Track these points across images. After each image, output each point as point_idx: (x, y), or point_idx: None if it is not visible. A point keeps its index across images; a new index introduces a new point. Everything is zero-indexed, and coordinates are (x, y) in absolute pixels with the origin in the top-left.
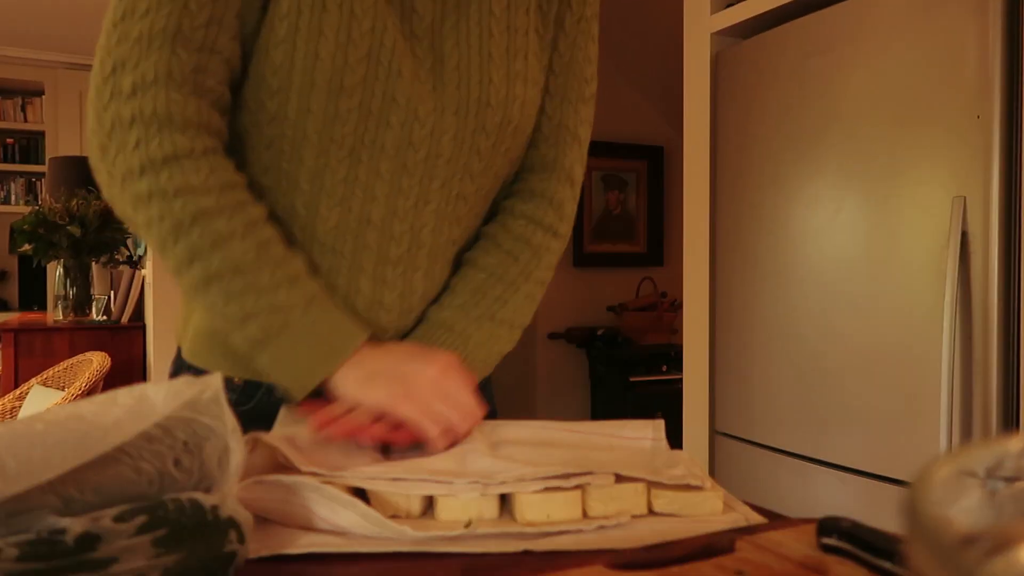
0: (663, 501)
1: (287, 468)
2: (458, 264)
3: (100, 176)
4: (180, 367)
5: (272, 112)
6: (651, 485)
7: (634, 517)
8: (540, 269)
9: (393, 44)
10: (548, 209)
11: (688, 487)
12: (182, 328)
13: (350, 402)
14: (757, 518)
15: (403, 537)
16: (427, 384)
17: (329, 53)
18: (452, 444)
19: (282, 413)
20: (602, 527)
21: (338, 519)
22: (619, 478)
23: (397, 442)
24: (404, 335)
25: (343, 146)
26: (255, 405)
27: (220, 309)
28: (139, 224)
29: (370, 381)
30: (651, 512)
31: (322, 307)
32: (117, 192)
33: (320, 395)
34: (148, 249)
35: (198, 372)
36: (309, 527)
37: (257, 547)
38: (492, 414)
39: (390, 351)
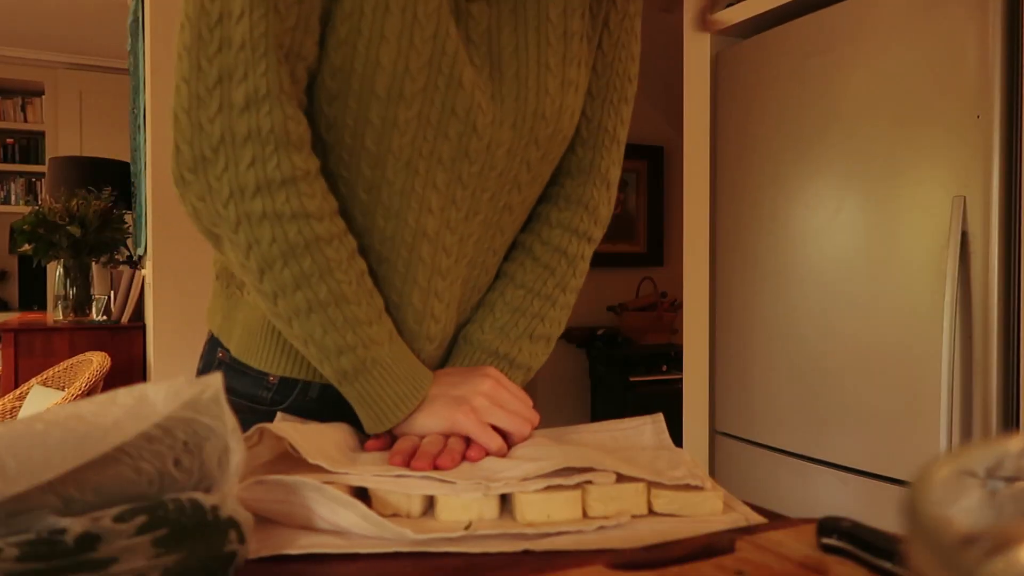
0: (663, 501)
1: (293, 459)
2: (496, 273)
3: (194, 188)
4: (216, 363)
5: (330, 118)
6: (651, 485)
7: (634, 517)
8: (576, 278)
9: (455, 52)
10: (584, 215)
11: (688, 487)
12: (225, 326)
13: (416, 431)
14: (757, 518)
15: (403, 539)
16: (483, 398)
17: (391, 59)
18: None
19: (279, 417)
20: (602, 527)
21: (338, 519)
22: (620, 478)
23: (471, 459)
24: (446, 352)
25: (400, 157)
26: (290, 404)
27: (317, 338)
28: (238, 243)
29: (429, 407)
30: (651, 512)
31: (399, 343)
32: (219, 208)
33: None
34: (150, 250)
35: (241, 369)
36: (309, 527)
37: (257, 547)
38: None
39: (441, 378)
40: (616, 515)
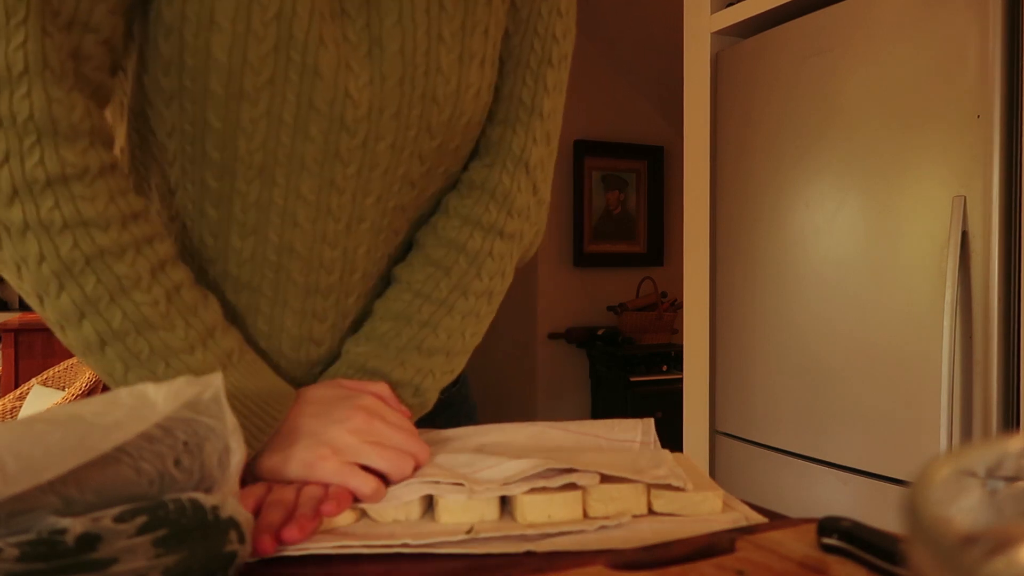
0: (663, 501)
1: None
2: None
3: None
4: None
5: (170, 123)
6: (650, 486)
7: (634, 517)
8: (482, 279)
9: (306, 35)
10: (489, 204)
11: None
12: None
13: (273, 478)
14: (757, 517)
15: (406, 546)
16: (350, 435)
17: (224, 49)
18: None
19: None
20: (603, 527)
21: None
22: (604, 478)
23: (327, 513)
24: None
25: (251, 165)
26: None
27: (118, 376)
28: (5, 261)
29: (288, 447)
30: (651, 512)
31: (242, 367)
32: None
33: None
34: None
35: None
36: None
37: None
38: (470, 414)
39: (307, 402)
40: (617, 515)
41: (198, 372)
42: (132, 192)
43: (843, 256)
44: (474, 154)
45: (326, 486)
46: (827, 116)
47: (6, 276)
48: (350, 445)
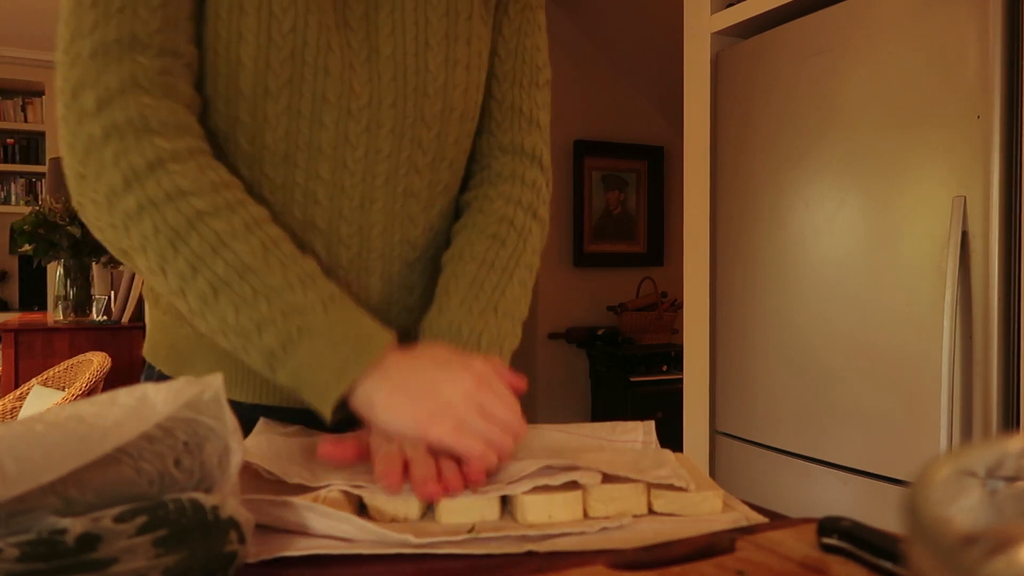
0: (663, 501)
1: (272, 484)
2: (432, 270)
3: (87, 212)
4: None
5: (209, 125)
6: (651, 486)
7: (635, 517)
8: (527, 253)
9: (317, 41)
10: (524, 189)
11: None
12: (151, 349)
13: (377, 428)
14: (758, 517)
15: (406, 544)
16: (462, 399)
17: (251, 57)
18: (495, 465)
19: (261, 423)
20: (604, 528)
21: (334, 532)
22: (605, 477)
23: (474, 482)
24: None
25: (276, 152)
26: None
27: (232, 323)
28: (135, 248)
29: (397, 398)
30: (651, 512)
31: (343, 305)
32: (106, 220)
33: (347, 423)
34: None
35: None
36: (307, 534)
37: (257, 550)
38: None
39: (420, 358)
40: (617, 515)
41: (300, 309)
42: (224, 169)
43: (843, 256)
44: (493, 155)
45: (433, 456)
46: (827, 116)
47: (143, 265)
48: (460, 410)
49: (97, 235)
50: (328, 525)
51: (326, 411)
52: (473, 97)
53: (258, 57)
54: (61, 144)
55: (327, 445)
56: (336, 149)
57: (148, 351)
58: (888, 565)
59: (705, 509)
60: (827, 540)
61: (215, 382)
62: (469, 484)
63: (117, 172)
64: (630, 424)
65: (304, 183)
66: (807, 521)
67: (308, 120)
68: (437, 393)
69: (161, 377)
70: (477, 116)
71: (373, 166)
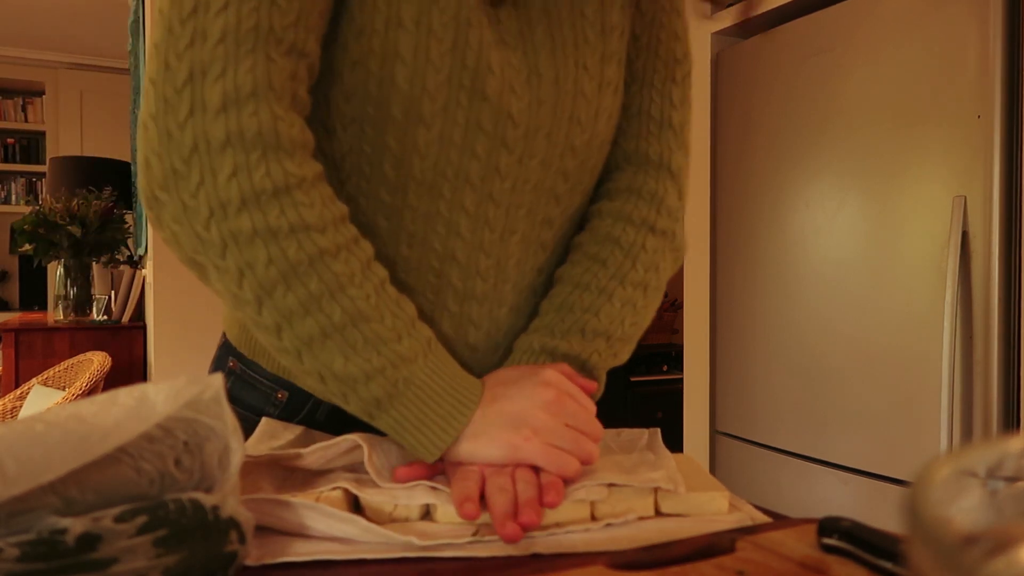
0: (670, 502)
1: (273, 481)
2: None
3: (168, 209)
4: (226, 373)
5: (347, 144)
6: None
7: (641, 519)
8: (638, 271)
9: (476, 63)
10: (639, 203)
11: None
12: (242, 334)
13: (468, 460)
14: (762, 518)
15: (410, 546)
16: (544, 414)
17: (406, 79)
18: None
19: (262, 425)
20: (610, 524)
21: (336, 533)
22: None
23: (550, 504)
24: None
25: (422, 182)
26: (301, 420)
27: (338, 369)
28: (227, 270)
29: (485, 429)
30: (658, 514)
31: (438, 353)
32: (199, 231)
33: (346, 423)
34: (151, 250)
35: (250, 382)
36: (308, 536)
37: (260, 553)
38: None
39: (493, 386)
40: (624, 513)
41: (405, 359)
42: (335, 197)
43: (843, 256)
44: (616, 167)
45: (533, 468)
46: (827, 116)
47: (220, 285)
48: (547, 425)
49: (164, 232)
50: (330, 526)
51: (431, 459)
52: (615, 120)
53: (414, 79)
54: (151, 119)
55: (403, 470)
56: (484, 180)
57: (229, 328)
58: (888, 565)
59: (712, 509)
60: (827, 540)
61: (215, 382)
62: (545, 505)
63: (234, 187)
64: (636, 431)
65: (448, 214)
66: (807, 521)
67: (459, 149)
68: (518, 414)
69: (238, 356)
70: (611, 141)
71: (518, 197)
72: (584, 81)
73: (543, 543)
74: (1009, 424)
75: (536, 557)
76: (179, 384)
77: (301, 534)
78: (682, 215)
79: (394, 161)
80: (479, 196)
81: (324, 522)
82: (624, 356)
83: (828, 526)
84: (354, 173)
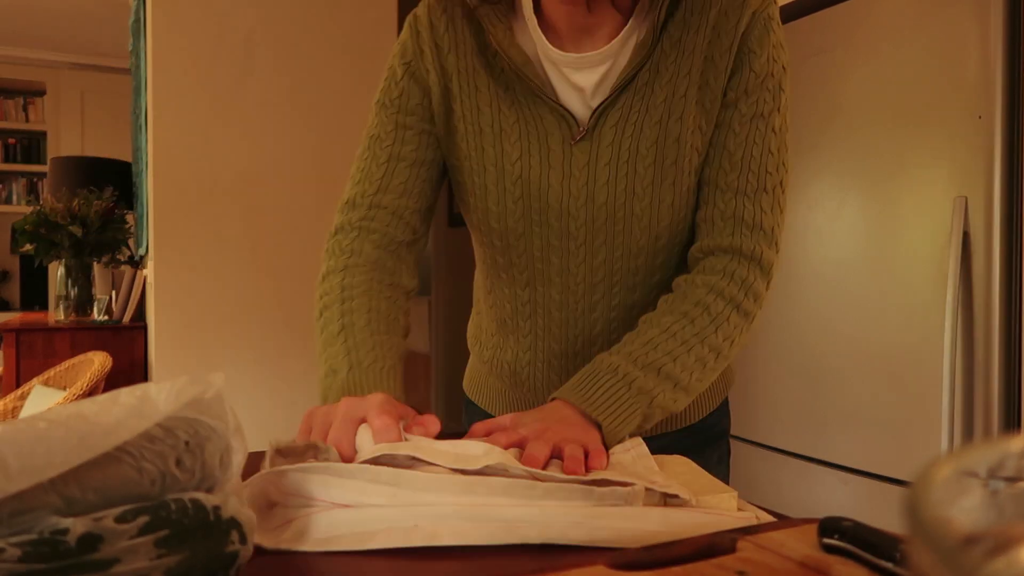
0: (680, 502)
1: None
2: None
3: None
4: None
5: (481, 248)
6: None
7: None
8: (717, 336)
9: (539, 183)
10: (730, 283)
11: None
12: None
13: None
14: (769, 518)
15: (415, 484)
16: (538, 438)
17: (494, 202)
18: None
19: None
20: (609, 484)
21: (347, 496)
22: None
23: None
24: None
25: (520, 280)
26: None
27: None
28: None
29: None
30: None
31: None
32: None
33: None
34: (152, 250)
35: (473, 411)
36: (316, 502)
37: (269, 538)
38: (722, 456)
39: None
40: (633, 478)
41: (331, 360)
42: (360, 282)
43: (844, 256)
44: (711, 251)
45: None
46: (828, 116)
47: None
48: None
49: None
50: (342, 489)
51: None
52: (679, 226)
53: (499, 201)
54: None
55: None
56: (561, 276)
57: (466, 385)
58: (889, 565)
59: (722, 507)
60: (828, 540)
61: (216, 381)
62: (591, 467)
63: (330, 259)
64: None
65: (543, 301)
66: (808, 521)
67: (540, 258)
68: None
69: (471, 405)
70: (686, 231)
71: (591, 287)
72: (634, 203)
73: (542, 529)
74: (1010, 424)
75: (528, 553)
76: (181, 383)
77: (309, 503)
78: (763, 303)
79: (507, 265)
80: (560, 288)
81: (336, 484)
82: (680, 406)
83: (829, 526)
84: (488, 268)
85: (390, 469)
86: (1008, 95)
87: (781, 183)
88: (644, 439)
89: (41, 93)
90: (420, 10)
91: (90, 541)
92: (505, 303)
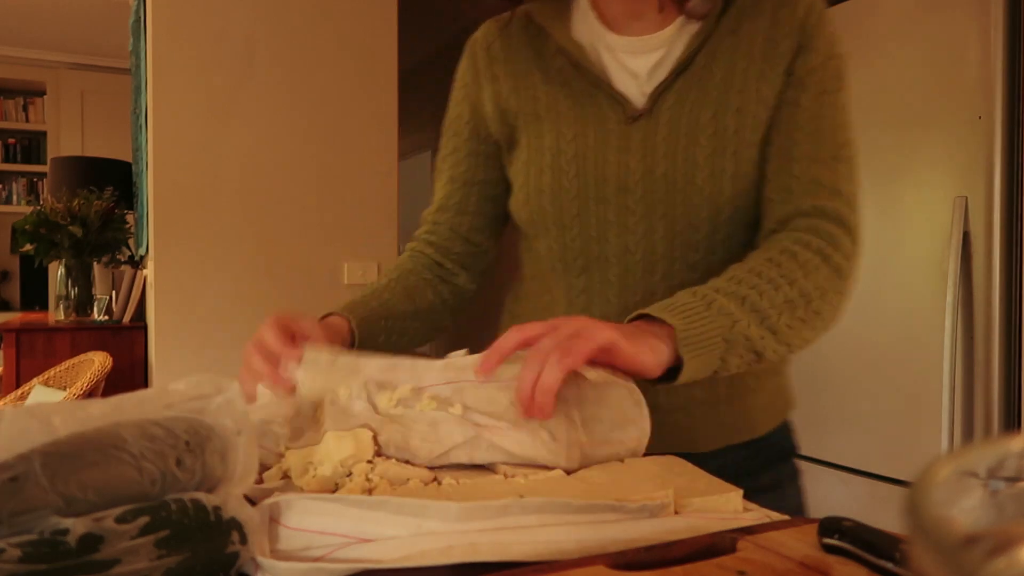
0: (687, 503)
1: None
2: None
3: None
4: None
5: (530, 243)
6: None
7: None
8: (806, 281)
9: (595, 172)
10: (815, 237)
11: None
12: None
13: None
14: (778, 516)
15: (447, 515)
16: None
17: (549, 201)
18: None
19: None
20: (644, 506)
21: (366, 529)
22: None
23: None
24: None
25: (575, 266)
26: None
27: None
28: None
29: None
30: (676, 514)
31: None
32: None
33: None
34: (152, 250)
35: None
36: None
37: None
38: (796, 498)
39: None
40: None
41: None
42: (408, 267)
43: None
44: (796, 217)
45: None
46: None
47: None
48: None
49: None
50: (359, 521)
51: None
52: (741, 200)
53: (554, 201)
54: None
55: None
56: (619, 257)
57: None
58: (889, 565)
59: (729, 508)
60: (828, 540)
61: (233, 387)
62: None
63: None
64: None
65: (600, 289)
66: (808, 521)
67: (596, 239)
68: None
69: None
70: (750, 207)
71: (650, 267)
72: (695, 173)
73: (582, 515)
74: (1010, 424)
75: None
76: (193, 382)
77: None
78: (854, 267)
79: (559, 254)
80: (619, 270)
81: (355, 516)
82: (768, 347)
83: (829, 526)
84: (534, 271)
85: (415, 501)
86: (1008, 95)
87: (853, 157)
88: (701, 457)
89: (41, 93)
90: (478, 33)
91: (91, 541)
92: (555, 304)
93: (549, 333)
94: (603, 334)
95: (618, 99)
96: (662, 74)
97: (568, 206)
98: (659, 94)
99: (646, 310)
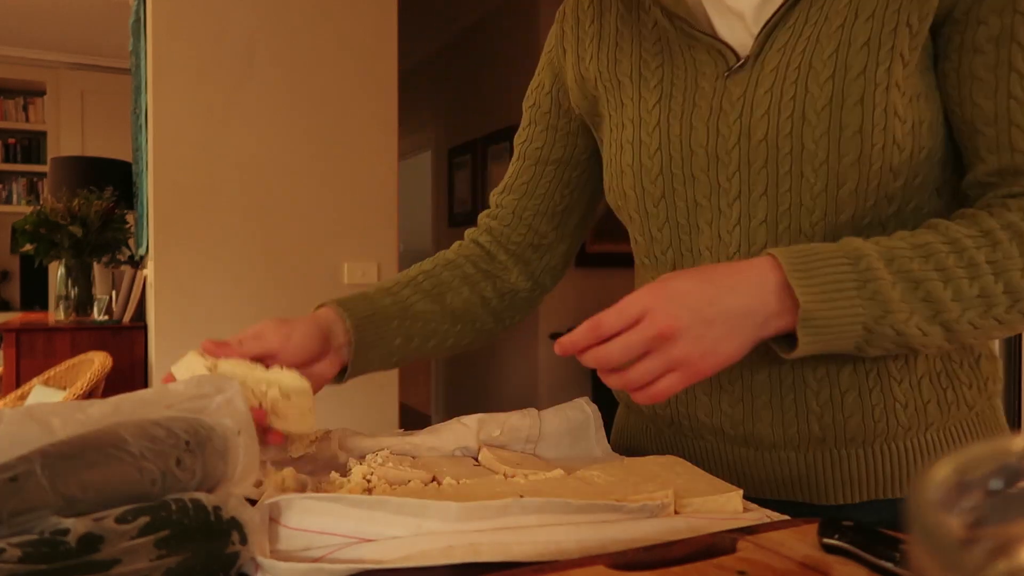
0: (688, 503)
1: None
2: None
3: None
4: None
5: (625, 218)
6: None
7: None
8: (998, 253)
9: (681, 151)
10: (1005, 211)
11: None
12: None
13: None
14: (778, 516)
15: (447, 515)
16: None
17: (630, 186)
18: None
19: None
20: (644, 505)
21: (366, 529)
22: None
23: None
24: None
25: (666, 263)
26: None
27: None
28: None
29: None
30: (676, 514)
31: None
32: None
33: None
34: (152, 250)
35: None
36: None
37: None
38: None
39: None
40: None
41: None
42: (455, 255)
43: None
44: (977, 191)
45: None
46: None
47: None
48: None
49: None
50: (359, 521)
51: None
52: (873, 165)
53: (635, 183)
54: None
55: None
56: (712, 249)
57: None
58: (889, 565)
59: (730, 508)
60: (828, 540)
61: (232, 386)
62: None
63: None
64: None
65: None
66: (808, 521)
67: (685, 227)
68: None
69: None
70: (888, 175)
71: (747, 253)
72: (804, 132)
73: (580, 515)
74: (1010, 424)
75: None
76: (194, 380)
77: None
78: None
79: (645, 251)
80: (712, 263)
81: (356, 517)
82: (931, 341)
83: (829, 526)
84: (637, 264)
85: (415, 501)
86: None
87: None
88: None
89: (41, 93)
90: (567, 1)
91: (91, 541)
92: None
93: (631, 328)
94: (686, 348)
95: (719, 49)
96: (773, 6)
97: (651, 188)
98: (768, 33)
99: (780, 256)
